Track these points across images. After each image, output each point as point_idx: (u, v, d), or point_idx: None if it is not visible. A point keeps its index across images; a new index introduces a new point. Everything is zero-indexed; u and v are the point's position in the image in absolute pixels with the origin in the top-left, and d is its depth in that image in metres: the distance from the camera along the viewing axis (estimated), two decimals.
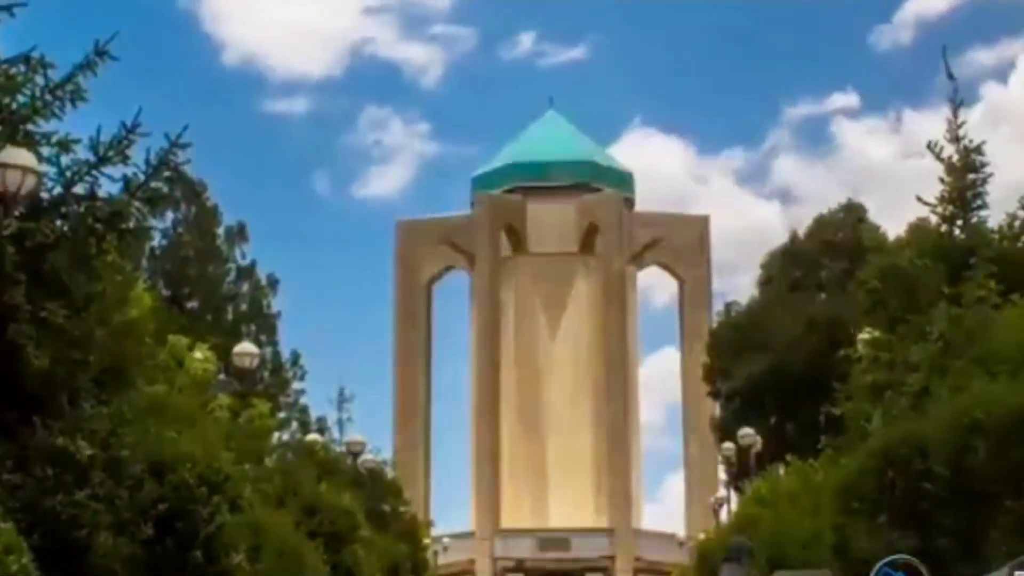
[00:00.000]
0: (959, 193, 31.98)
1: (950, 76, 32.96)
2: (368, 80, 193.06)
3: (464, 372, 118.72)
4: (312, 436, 53.20)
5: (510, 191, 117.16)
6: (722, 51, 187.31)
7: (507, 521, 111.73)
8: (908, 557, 12.25)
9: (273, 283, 64.06)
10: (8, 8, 19.93)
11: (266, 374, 51.98)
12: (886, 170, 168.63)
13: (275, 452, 39.81)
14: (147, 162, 20.95)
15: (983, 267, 28.58)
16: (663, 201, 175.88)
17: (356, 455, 55.38)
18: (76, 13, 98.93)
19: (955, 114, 32.41)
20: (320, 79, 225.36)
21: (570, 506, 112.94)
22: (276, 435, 42.05)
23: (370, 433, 64.22)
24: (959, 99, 32.66)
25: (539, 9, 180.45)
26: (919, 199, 32.95)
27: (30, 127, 20.31)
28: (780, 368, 60.14)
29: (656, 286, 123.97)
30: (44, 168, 20.05)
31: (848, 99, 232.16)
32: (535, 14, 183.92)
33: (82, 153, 20.79)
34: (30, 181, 19.26)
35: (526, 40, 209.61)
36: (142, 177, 20.93)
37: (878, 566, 11.64)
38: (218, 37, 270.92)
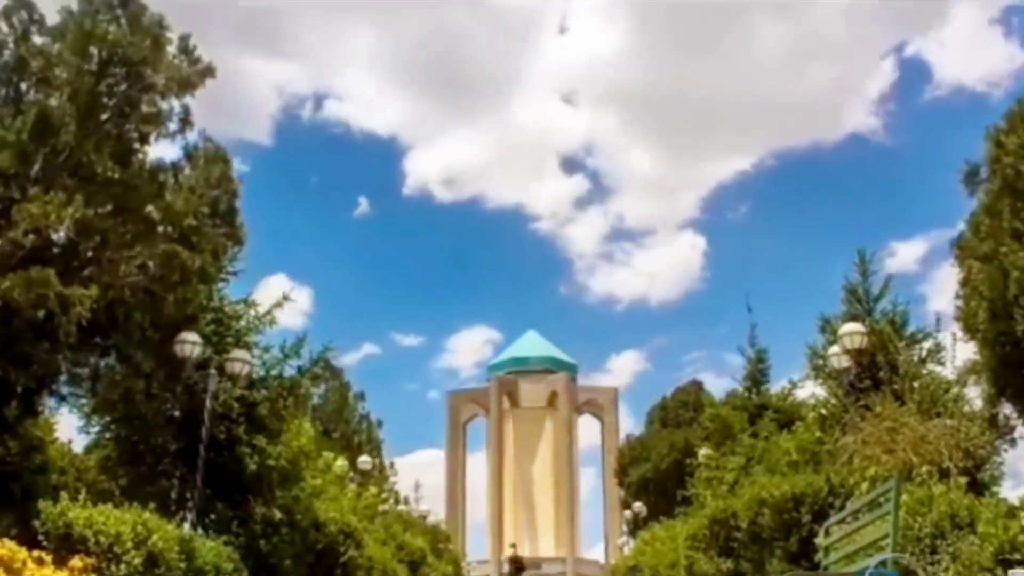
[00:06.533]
0: (754, 373, 32.21)
1: (748, 309, 33.28)
2: None
3: (483, 473, 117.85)
4: (401, 507, 52.82)
5: (509, 373, 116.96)
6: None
7: (507, 553, 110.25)
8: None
9: (380, 423, 64.02)
10: (228, 277, 20.09)
11: (376, 473, 51.50)
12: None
13: (381, 516, 39.33)
14: (311, 358, 21.27)
15: (768, 416, 28.63)
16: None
17: (425, 517, 55.68)
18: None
19: (752, 330, 32.76)
20: None
21: (542, 545, 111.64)
22: (381, 507, 41.55)
23: (431, 506, 64.27)
24: (755, 322, 33.06)
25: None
26: (732, 378, 33.25)
27: (247, 339, 20.55)
28: (657, 470, 59.60)
29: (589, 425, 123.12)
30: (254, 360, 20.25)
31: None
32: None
33: (275, 352, 21.07)
34: (246, 368, 19.55)
35: None
36: (308, 365, 21.24)
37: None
38: None
